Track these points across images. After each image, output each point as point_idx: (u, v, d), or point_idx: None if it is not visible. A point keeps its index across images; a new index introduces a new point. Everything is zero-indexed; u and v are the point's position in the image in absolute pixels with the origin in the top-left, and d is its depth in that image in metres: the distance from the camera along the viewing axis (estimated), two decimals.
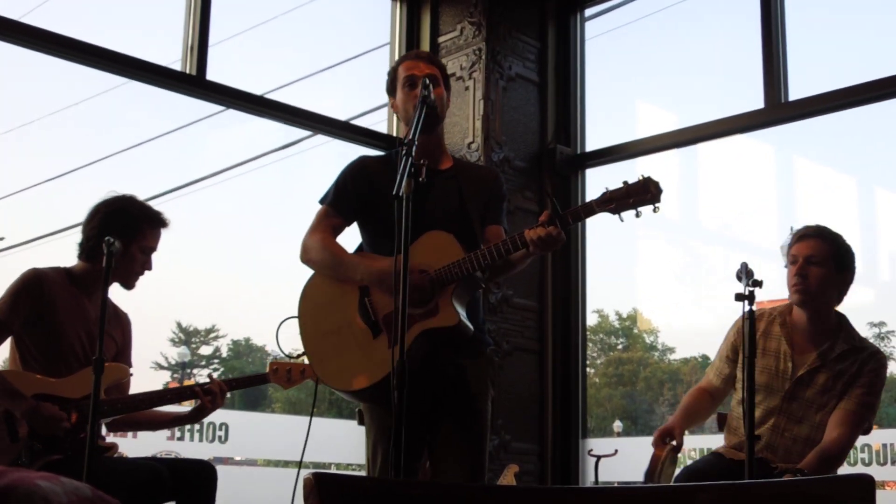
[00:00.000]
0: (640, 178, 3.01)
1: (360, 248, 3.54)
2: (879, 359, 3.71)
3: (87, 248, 3.74)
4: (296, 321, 3.48)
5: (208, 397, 3.82)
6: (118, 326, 3.89)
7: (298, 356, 3.86)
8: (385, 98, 3.67)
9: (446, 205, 3.36)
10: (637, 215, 3.02)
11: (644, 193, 2.99)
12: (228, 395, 3.94)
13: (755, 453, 3.64)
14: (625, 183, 3.02)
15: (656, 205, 3.00)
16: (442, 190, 3.38)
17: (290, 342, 3.66)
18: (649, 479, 3.62)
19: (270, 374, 3.99)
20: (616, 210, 3.02)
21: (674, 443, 3.68)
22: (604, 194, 3.04)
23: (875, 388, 3.67)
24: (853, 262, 3.80)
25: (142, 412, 3.81)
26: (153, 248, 3.80)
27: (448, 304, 3.15)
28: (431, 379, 3.22)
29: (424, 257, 3.15)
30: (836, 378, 3.67)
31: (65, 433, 3.47)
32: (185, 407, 4.24)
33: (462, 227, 3.32)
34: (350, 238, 3.54)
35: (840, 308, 3.83)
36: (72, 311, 3.67)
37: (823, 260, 3.71)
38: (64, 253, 3.79)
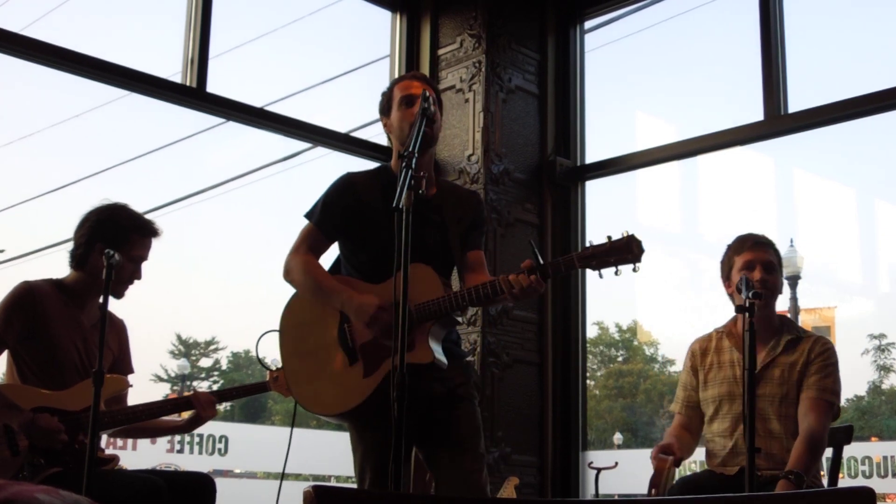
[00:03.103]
0: (624, 235, 3.03)
1: (337, 261, 3.56)
2: (824, 342, 3.84)
3: (77, 257, 3.72)
4: (276, 335, 3.50)
5: (195, 412, 3.83)
6: (113, 334, 3.86)
7: (278, 370, 3.87)
8: None
9: (429, 237, 3.36)
10: (616, 273, 3.05)
11: (626, 252, 3.02)
12: (228, 406, 3.95)
13: (738, 463, 3.69)
14: (608, 238, 3.05)
15: (636, 265, 3.03)
16: (426, 221, 3.35)
17: (273, 353, 3.68)
18: (654, 488, 3.64)
19: (270, 383, 3.98)
20: (597, 267, 3.06)
21: (673, 457, 3.70)
22: (586, 249, 3.07)
23: (829, 371, 3.76)
24: None
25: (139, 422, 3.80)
26: (143, 258, 3.76)
27: (424, 342, 3.18)
28: (415, 395, 3.24)
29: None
30: (790, 368, 3.78)
31: (63, 445, 3.46)
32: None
33: (443, 259, 3.36)
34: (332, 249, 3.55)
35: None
36: (65, 322, 3.66)
37: (777, 269, 3.86)
38: (64, 265, 3.78)
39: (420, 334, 3.17)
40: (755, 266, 3.82)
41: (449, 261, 3.40)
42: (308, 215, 3.50)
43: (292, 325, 3.47)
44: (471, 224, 3.51)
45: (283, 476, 3.69)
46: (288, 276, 3.45)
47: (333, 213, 3.44)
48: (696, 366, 4.00)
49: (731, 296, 3.92)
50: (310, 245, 3.46)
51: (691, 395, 4.01)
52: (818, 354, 3.76)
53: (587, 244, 3.08)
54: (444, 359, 3.26)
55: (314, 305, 3.41)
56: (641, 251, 3.01)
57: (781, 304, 3.96)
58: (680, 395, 4.07)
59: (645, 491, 3.74)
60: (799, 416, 3.72)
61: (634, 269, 3.03)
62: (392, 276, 3.08)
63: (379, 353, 3.21)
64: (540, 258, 3.07)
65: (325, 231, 3.46)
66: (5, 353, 3.63)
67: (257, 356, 3.83)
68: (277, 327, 3.50)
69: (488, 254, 5.11)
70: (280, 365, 3.77)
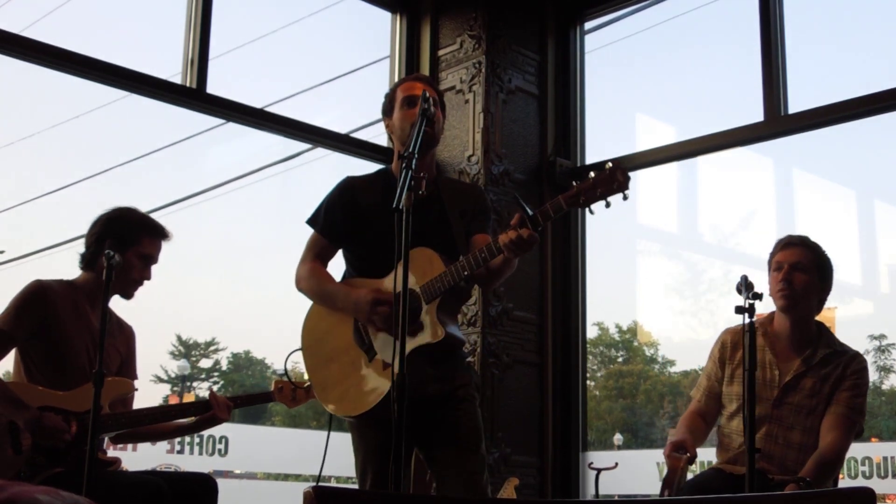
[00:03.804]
0: (607, 167, 2.95)
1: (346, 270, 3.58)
2: (860, 360, 3.80)
3: (88, 257, 3.75)
4: (300, 353, 3.54)
5: (212, 412, 3.85)
6: (122, 338, 3.89)
7: (307, 387, 3.90)
8: None
9: (430, 234, 3.35)
10: (607, 205, 2.97)
11: (611, 183, 2.93)
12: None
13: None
14: (593, 173, 2.99)
15: (625, 192, 2.94)
16: (425, 214, 3.36)
17: (299, 367, 3.72)
18: (668, 488, 3.63)
19: (275, 393, 4.00)
20: (585, 203, 2.97)
21: (688, 455, 3.68)
22: (571, 189, 3.00)
23: (861, 390, 3.75)
24: (833, 273, 3.90)
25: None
26: (152, 257, 3.79)
27: (433, 320, 3.19)
28: (418, 397, 3.24)
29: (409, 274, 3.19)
30: (822, 382, 3.75)
31: (66, 445, 3.46)
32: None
33: (445, 246, 3.35)
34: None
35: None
36: (76, 322, 3.67)
37: (808, 268, 3.80)
38: (65, 266, 3.79)
39: (429, 314, 3.19)
40: (783, 267, 3.80)
41: (453, 250, 3.39)
42: (311, 222, 3.53)
43: (312, 340, 3.51)
44: (473, 213, 3.51)
45: (319, 477, 3.67)
46: (298, 285, 3.52)
47: (335, 219, 3.48)
48: (724, 358, 3.95)
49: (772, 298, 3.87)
50: (316, 253, 3.51)
51: (714, 386, 3.97)
52: (854, 372, 3.74)
53: (572, 184, 3.01)
54: (459, 334, 3.29)
55: (329, 313, 3.45)
56: (627, 178, 2.93)
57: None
58: (703, 383, 4.03)
59: (645, 491, 3.74)
60: (822, 429, 3.69)
61: (624, 198, 2.95)
62: (392, 270, 3.09)
63: (392, 344, 3.21)
64: (528, 209, 3.03)
65: (330, 237, 3.50)
66: (13, 351, 3.64)
67: (287, 376, 3.89)
68: (300, 344, 3.54)
69: None
70: (284, 374, 3.81)
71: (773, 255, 3.88)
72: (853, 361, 3.77)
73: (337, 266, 3.61)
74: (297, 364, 3.72)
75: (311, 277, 3.46)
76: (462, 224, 3.46)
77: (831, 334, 3.89)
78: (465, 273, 3.15)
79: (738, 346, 3.91)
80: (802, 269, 3.78)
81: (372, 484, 3.30)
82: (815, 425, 3.71)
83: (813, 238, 3.92)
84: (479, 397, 3.51)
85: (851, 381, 3.72)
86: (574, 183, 3.00)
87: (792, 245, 3.84)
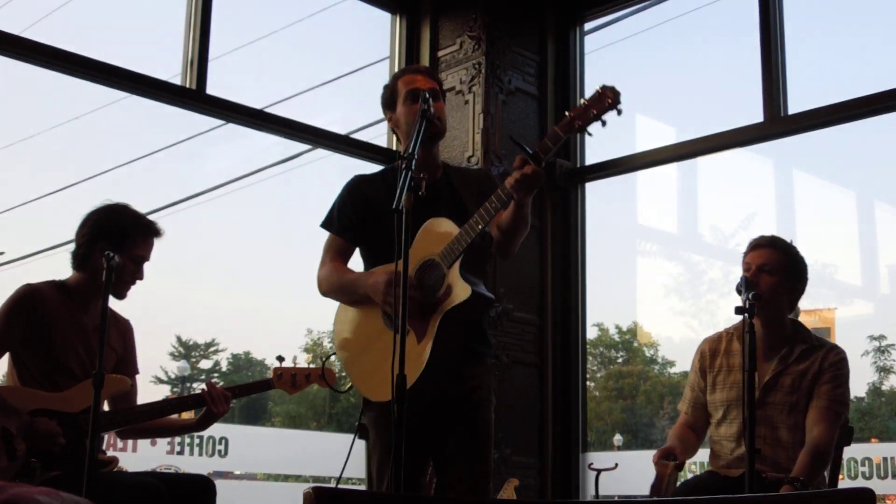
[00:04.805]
0: (597, 89, 3.00)
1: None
2: (838, 352, 3.79)
3: (79, 257, 3.70)
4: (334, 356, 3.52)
5: (211, 403, 3.79)
6: (117, 334, 3.85)
7: (349, 388, 3.82)
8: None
9: (446, 213, 3.33)
10: (603, 125, 3.01)
11: (602, 102, 2.98)
12: (233, 402, 3.92)
13: (744, 467, 3.67)
14: (583, 99, 3.03)
15: (618, 107, 2.98)
16: (438, 195, 3.39)
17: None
18: (655, 494, 3.63)
19: (275, 380, 3.95)
20: (582, 127, 3.02)
21: (676, 461, 3.69)
22: (563, 118, 3.04)
23: (841, 381, 3.74)
24: (805, 273, 3.89)
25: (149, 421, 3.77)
26: (145, 258, 3.75)
27: (457, 280, 3.15)
28: (437, 393, 3.22)
29: (427, 246, 3.19)
30: (800, 378, 3.75)
31: (61, 448, 3.45)
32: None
33: (462, 219, 3.32)
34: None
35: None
36: (68, 325, 3.65)
37: (775, 269, 3.79)
38: (65, 267, 3.77)
39: (452, 276, 3.16)
40: (750, 268, 3.82)
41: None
42: (326, 226, 3.52)
43: (343, 336, 3.48)
44: (486, 195, 3.50)
45: (339, 479, 3.63)
46: (321, 288, 3.49)
47: (348, 216, 3.46)
48: (704, 367, 3.97)
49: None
50: (334, 254, 3.49)
51: (699, 396, 3.99)
52: (832, 364, 3.73)
53: (565, 115, 3.06)
54: (486, 292, 3.26)
55: (355, 311, 3.43)
56: (617, 94, 2.97)
57: None
58: (687, 395, 4.05)
59: (645, 492, 3.74)
60: (807, 424, 3.69)
61: (618, 113, 2.99)
62: (408, 254, 3.08)
63: (423, 315, 3.18)
64: (527, 148, 3.05)
65: (347, 237, 3.49)
66: (6, 356, 3.62)
67: (329, 386, 3.85)
68: (333, 349, 3.53)
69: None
70: (281, 363, 3.80)
71: (744, 256, 3.90)
72: (830, 353, 3.77)
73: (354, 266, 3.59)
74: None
75: (331, 274, 3.43)
76: (478, 206, 3.44)
77: (807, 331, 3.90)
78: (480, 227, 3.12)
79: (716, 354, 3.95)
80: (769, 271, 3.78)
81: (389, 483, 3.26)
82: (800, 421, 3.72)
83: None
84: (495, 401, 3.47)
85: (830, 374, 3.72)
86: (566, 112, 3.04)
87: (760, 247, 3.85)
